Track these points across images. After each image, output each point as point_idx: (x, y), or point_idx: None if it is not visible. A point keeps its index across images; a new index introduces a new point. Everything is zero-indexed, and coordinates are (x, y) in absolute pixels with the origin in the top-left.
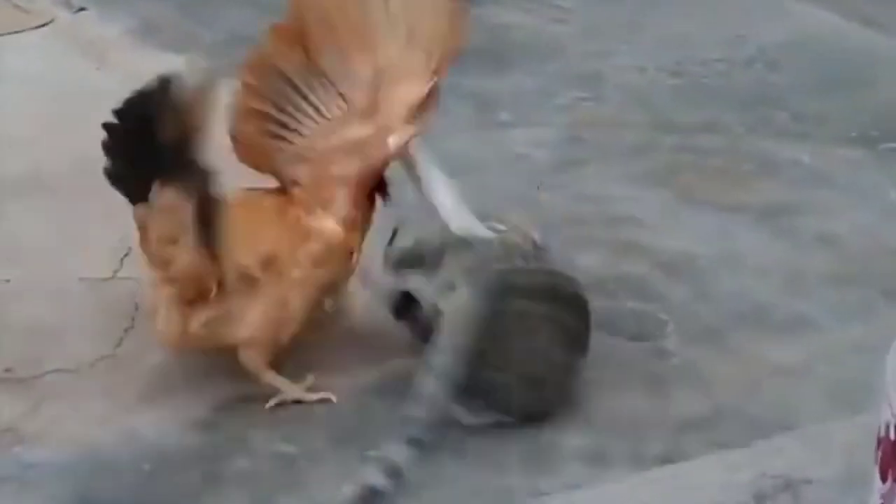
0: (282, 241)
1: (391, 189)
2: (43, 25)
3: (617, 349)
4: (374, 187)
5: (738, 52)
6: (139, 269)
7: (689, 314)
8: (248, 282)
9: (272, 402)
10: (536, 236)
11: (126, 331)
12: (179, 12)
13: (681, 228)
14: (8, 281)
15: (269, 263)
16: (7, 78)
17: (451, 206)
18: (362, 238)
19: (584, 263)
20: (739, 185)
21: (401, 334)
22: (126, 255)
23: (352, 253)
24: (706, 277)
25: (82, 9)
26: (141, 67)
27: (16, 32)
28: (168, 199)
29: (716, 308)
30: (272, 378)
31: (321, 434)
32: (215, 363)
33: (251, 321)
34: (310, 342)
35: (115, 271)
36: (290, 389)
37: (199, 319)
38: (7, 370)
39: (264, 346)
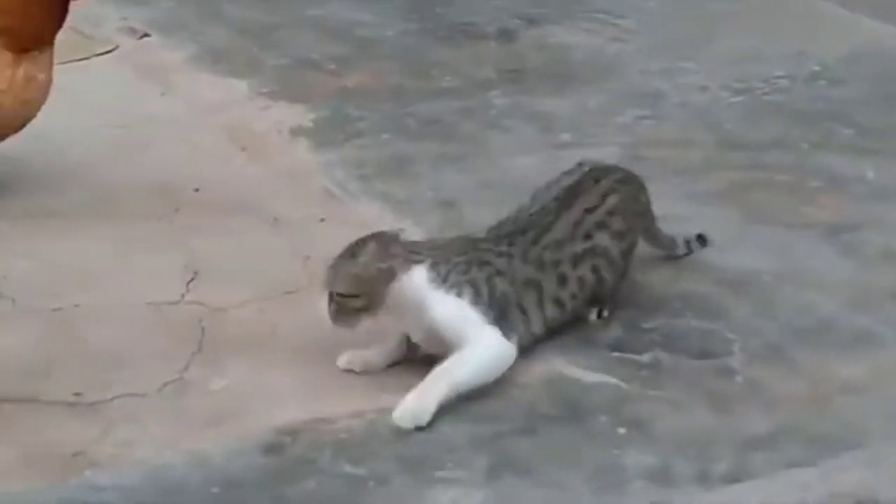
0: None
1: None
2: (107, 52)
3: (681, 367)
4: None
5: (800, 67)
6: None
7: (754, 331)
8: None
9: None
10: None
11: (193, 354)
12: (242, 37)
13: (744, 245)
14: (77, 306)
15: None
16: (72, 105)
17: None
18: None
19: (647, 281)
20: (804, 202)
21: None
22: (192, 279)
23: None
24: (771, 294)
25: (146, 35)
26: (205, 93)
27: (81, 60)
28: None
29: (781, 325)
30: None
31: (389, 455)
32: (281, 387)
33: None
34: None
35: (182, 295)
36: None
37: None
38: (76, 394)
39: None
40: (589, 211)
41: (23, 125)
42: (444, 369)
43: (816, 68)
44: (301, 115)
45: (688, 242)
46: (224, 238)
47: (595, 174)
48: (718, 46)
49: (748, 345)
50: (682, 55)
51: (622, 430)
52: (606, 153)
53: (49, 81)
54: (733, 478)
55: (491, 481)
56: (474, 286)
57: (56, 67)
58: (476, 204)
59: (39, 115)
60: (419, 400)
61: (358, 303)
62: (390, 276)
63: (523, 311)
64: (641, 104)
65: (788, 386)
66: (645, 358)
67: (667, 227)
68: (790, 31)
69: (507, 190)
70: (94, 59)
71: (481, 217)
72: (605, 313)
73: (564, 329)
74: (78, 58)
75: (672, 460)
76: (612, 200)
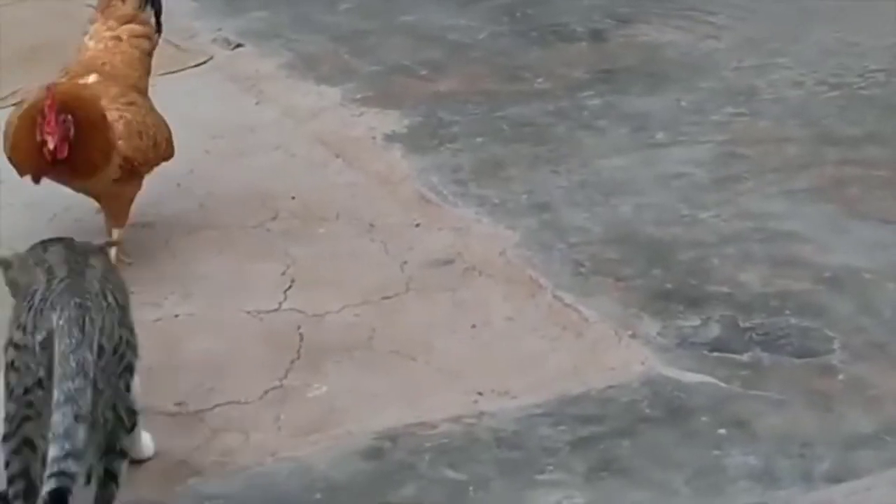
0: None
1: None
2: (202, 63)
3: (781, 366)
4: None
5: None
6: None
7: (855, 329)
8: None
9: None
10: None
11: (292, 361)
12: (335, 44)
13: (843, 242)
14: (177, 316)
15: None
16: (169, 116)
17: None
18: None
19: (745, 280)
20: None
21: (560, 357)
22: (290, 287)
23: None
24: (871, 291)
25: (239, 45)
26: (299, 101)
27: (176, 71)
28: None
29: (883, 322)
30: None
31: (489, 459)
32: (380, 392)
33: None
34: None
35: (280, 303)
36: None
37: None
38: (178, 404)
39: None
40: None
41: None
42: None
43: None
44: (394, 121)
45: None
46: (320, 245)
47: None
48: (812, 41)
49: (850, 342)
50: (775, 50)
51: (723, 431)
52: (702, 151)
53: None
54: (837, 477)
55: (591, 483)
56: None
57: (151, 80)
58: (571, 206)
59: None
60: None
61: None
62: None
63: None
64: (735, 101)
65: (892, 383)
66: (744, 357)
67: (764, 224)
68: (885, 24)
69: (601, 191)
70: (189, 70)
71: (576, 219)
72: None
73: (661, 331)
74: (173, 70)
75: (774, 460)
76: None
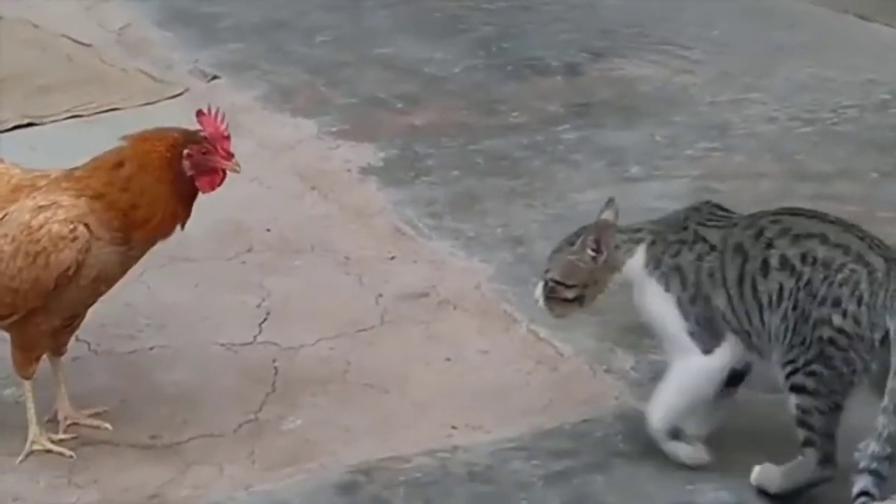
0: None
1: None
2: (178, 95)
3: (754, 401)
4: None
5: (869, 96)
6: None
7: None
8: None
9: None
10: None
11: (267, 395)
12: (311, 77)
13: None
14: (151, 348)
15: None
16: None
17: None
18: None
19: None
20: (876, 232)
21: (534, 391)
22: (264, 319)
23: None
24: None
25: (215, 77)
26: (274, 133)
27: (151, 103)
28: None
29: None
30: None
31: (463, 493)
32: (354, 425)
33: None
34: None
35: (255, 336)
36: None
37: None
38: (153, 437)
39: None
40: None
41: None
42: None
43: (886, 96)
44: (370, 154)
45: None
46: (295, 277)
47: None
48: (785, 76)
49: None
50: (749, 85)
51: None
52: (676, 185)
53: (77, 247)
54: None
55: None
56: (681, 273)
57: (127, 112)
58: (546, 239)
59: None
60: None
61: (570, 293)
62: (613, 267)
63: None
64: (710, 136)
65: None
66: None
67: None
68: (858, 60)
69: (576, 225)
70: (165, 101)
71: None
72: None
73: (634, 365)
74: (148, 101)
75: (747, 496)
76: None
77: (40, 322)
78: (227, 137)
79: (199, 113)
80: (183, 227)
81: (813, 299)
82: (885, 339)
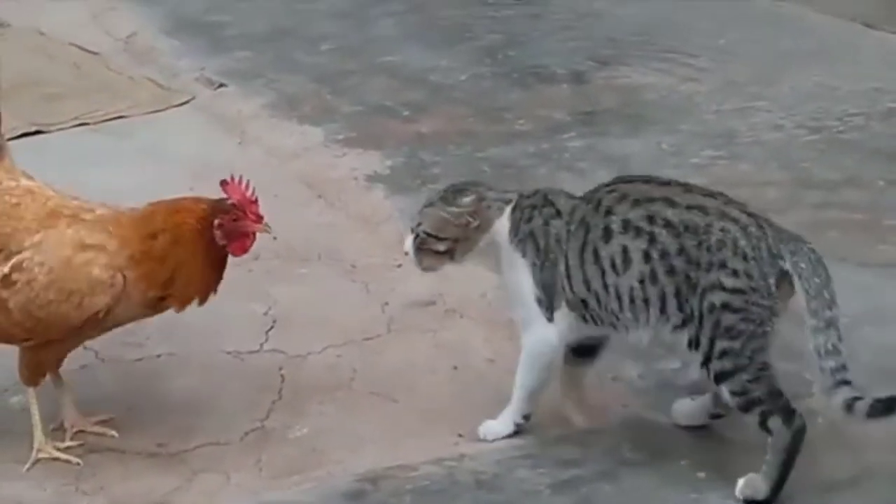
0: None
1: None
2: (184, 103)
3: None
4: None
5: (875, 105)
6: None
7: None
8: None
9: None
10: None
11: (274, 402)
12: (317, 85)
13: None
14: (158, 356)
15: None
16: (150, 157)
17: None
18: None
19: None
20: (880, 240)
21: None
22: (271, 327)
23: None
24: (850, 335)
25: (222, 85)
26: (281, 141)
27: (158, 111)
28: None
29: (861, 366)
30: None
31: (470, 502)
32: (361, 433)
33: None
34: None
35: (262, 344)
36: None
37: None
38: (160, 444)
39: None
40: None
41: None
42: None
43: (892, 105)
44: (376, 162)
45: None
46: (302, 285)
47: None
48: (791, 84)
49: None
50: (754, 94)
51: (702, 474)
52: None
53: (111, 294)
54: None
55: None
56: (534, 239)
57: (134, 119)
58: None
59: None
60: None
61: (442, 245)
62: (483, 227)
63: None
64: (715, 144)
65: (871, 427)
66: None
67: None
68: (864, 68)
69: None
70: (172, 110)
71: None
72: None
73: (641, 374)
74: (155, 109)
75: None
76: None
77: (53, 349)
78: (256, 202)
79: (224, 182)
80: (216, 291)
81: (697, 267)
82: (782, 279)
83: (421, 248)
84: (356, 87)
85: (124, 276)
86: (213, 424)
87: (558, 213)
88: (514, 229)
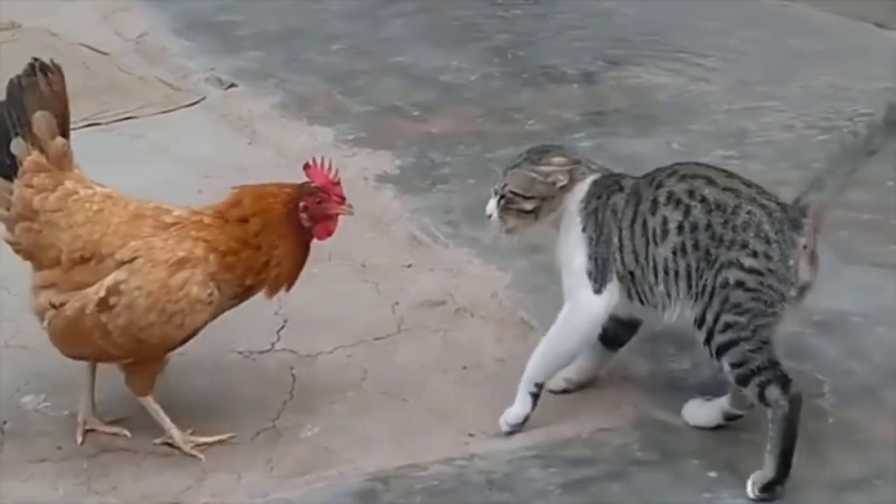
0: None
1: None
2: (195, 103)
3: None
4: None
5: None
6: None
7: (845, 373)
8: None
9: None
10: None
11: (285, 403)
12: (327, 85)
13: (833, 286)
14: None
15: None
16: (161, 156)
17: None
18: None
19: None
20: (891, 240)
21: (551, 399)
22: (282, 327)
23: None
24: (861, 335)
25: (232, 85)
26: (291, 141)
27: (169, 111)
28: None
29: (872, 366)
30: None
31: (480, 501)
32: (372, 433)
33: None
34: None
35: (273, 343)
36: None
37: None
38: (172, 445)
39: None
40: None
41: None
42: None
43: None
44: (386, 162)
45: None
46: (313, 285)
47: None
48: (802, 84)
49: (839, 386)
50: (765, 93)
51: (713, 474)
52: None
53: (212, 308)
54: None
55: None
56: (596, 215)
57: (144, 120)
58: None
59: (127, 166)
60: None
61: (529, 204)
62: (570, 187)
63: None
64: (726, 143)
65: (881, 427)
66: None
67: None
68: (875, 68)
69: None
70: (182, 109)
71: None
72: None
73: (652, 374)
74: (165, 109)
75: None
76: None
77: (155, 362)
78: (339, 183)
79: (307, 166)
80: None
81: (719, 243)
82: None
83: (507, 208)
84: (366, 88)
85: (218, 285)
86: (225, 424)
87: (620, 189)
88: (587, 201)
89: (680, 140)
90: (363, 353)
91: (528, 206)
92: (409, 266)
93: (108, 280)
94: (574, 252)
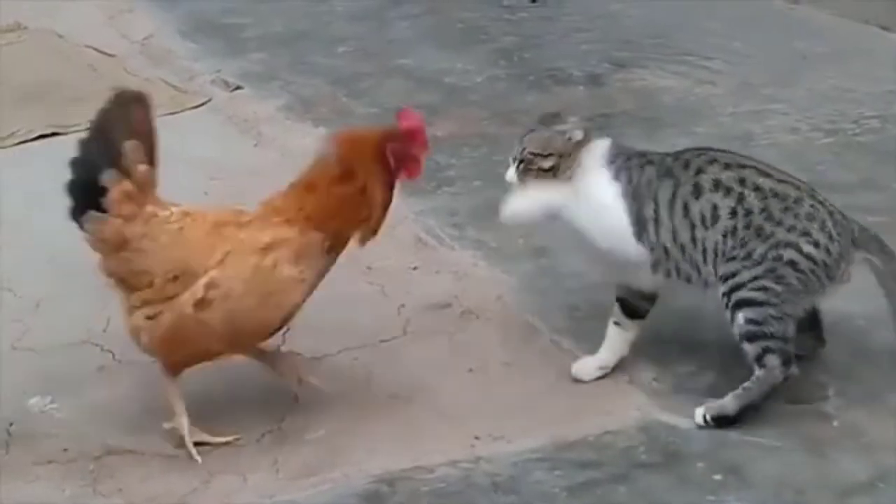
0: None
1: None
2: (200, 105)
3: (776, 412)
4: None
5: (891, 107)
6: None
7: (849, 376)
8: None
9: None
10: None
11: (290, 404)
12: (333, 87)
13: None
14: None
15: None
16: (167, 157)
17: None
18: None
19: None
20: None
21: (557, 402)
22: (288, 329)
23: None
24: (866, 338)
25: (238, 87)
26: (297, 143)
27: (174, 113)
28: None
29: (877, 369)
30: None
31: None
32: (377, 435)
33: None
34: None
35: (279, 346)
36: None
37: None
38: (177, 446)
39: None
40: None
41: (265, 328)
42: None
43: None
44: None
45: None
46: (318, 287)
47: None
48: (807, 86)
49: (844, 389)
50: (770, 96)
51: (718, 477)
52: None
53: (305, 285)
54: None
55: None
56: (629, 173)
57: None
58: (568, 250)
59: None
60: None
61: (547, 163)
62: (585, 142)
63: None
64: (731, 146)
65: (886, 430)
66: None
67: None
68: (880, 71)
69: None
70: (188, 111)
71: (573, 264)
72: None
73: (657, 377)
74: (171, 111)
75: None
76: None
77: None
78: (424, 130)
79: (400, 111)
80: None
81: (777, 224)
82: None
83: (527, 169)
84: (372, 90)
85: (308, 261)
86: (231, 425)
87: (650, 163)
88: (612, 159)
89: (685, 142)
90: (369, 356)
91: (547, 164)
92: (415, 268)
93: (203, 280)
94: (602, 195)
